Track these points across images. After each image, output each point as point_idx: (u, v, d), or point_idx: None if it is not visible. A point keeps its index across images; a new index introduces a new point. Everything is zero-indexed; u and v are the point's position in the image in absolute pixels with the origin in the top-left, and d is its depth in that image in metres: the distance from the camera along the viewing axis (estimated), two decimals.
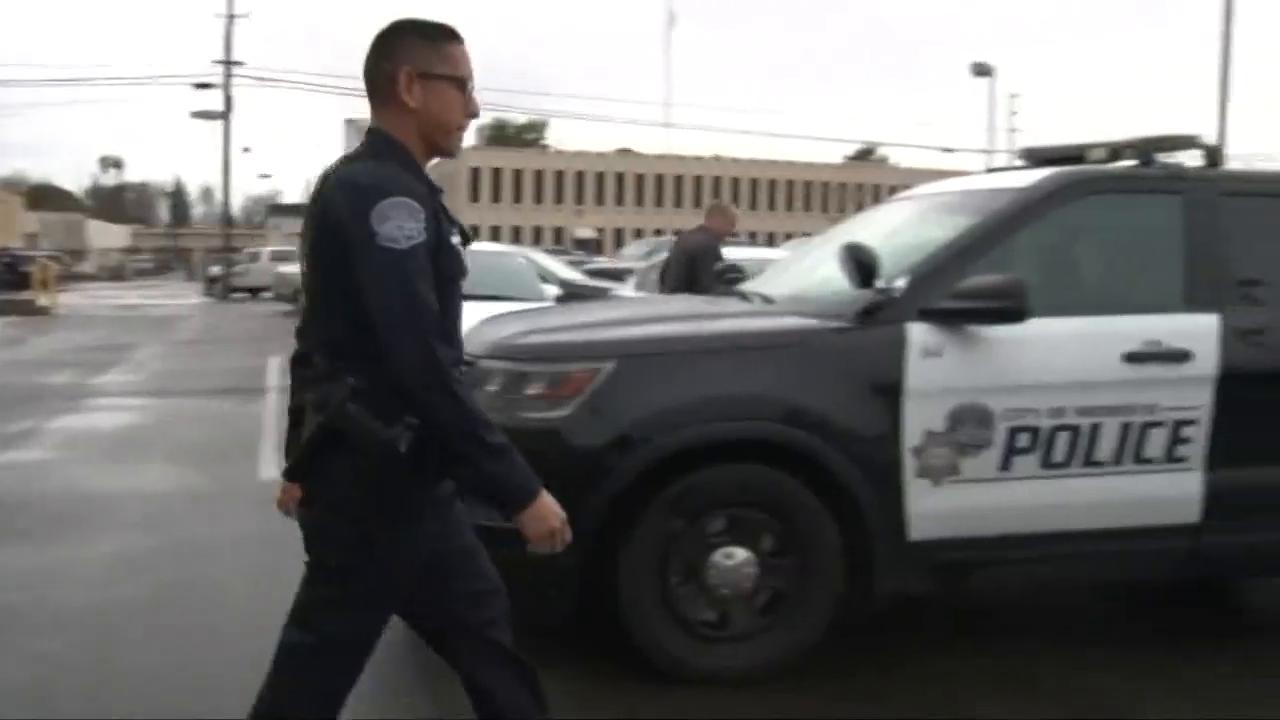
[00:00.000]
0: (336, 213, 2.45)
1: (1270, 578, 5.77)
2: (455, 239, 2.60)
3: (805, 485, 4.22)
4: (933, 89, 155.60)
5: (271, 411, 11.18)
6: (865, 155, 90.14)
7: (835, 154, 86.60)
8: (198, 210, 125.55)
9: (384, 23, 2.63)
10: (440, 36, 2.61)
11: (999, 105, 52.12)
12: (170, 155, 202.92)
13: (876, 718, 4.06)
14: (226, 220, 50.05)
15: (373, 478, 2.46)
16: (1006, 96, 60.31)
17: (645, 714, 4.01)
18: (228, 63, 44.48)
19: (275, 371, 15.00)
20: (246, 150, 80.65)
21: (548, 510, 2.53)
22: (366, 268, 2.39)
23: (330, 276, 2.49)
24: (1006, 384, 4.33)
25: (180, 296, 43.67)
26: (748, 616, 4.28)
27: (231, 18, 44.92)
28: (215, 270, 44.32)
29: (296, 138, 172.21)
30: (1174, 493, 4.54)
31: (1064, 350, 4.45)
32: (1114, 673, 4.48)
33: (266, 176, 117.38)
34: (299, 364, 2.73)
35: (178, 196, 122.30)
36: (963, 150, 76.98)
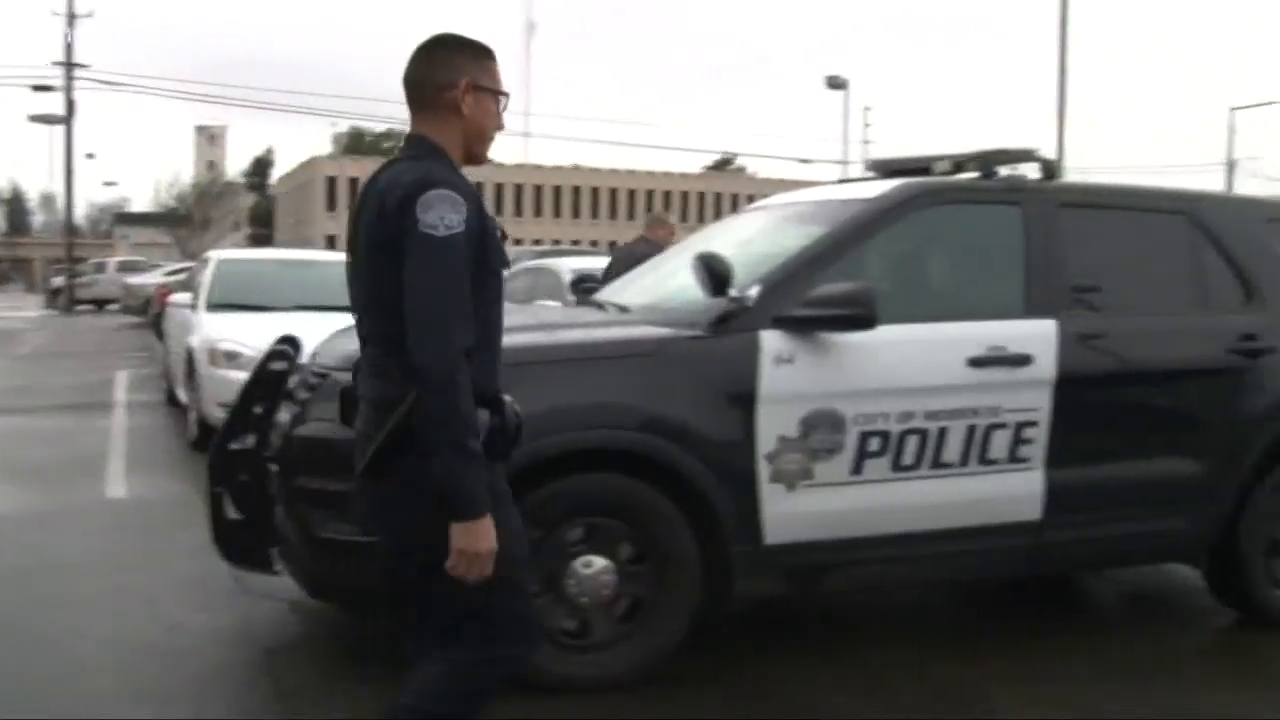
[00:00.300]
0: (387, 210, 2.62)
1: (1108, 570, 6.03)
2: (498, 234, 2.76)
3: (662, 493, 4.26)
4: (790, 101, 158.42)
5: (120, 427, 10.82)
6: (724, 165, 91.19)
7: (694, 164, 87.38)
8: (37, 219, 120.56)
9: (430, 35, 2.86)
10: (484, 53, 2.86)
11: (853, 117, 53.31)
12: (6, 160, 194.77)
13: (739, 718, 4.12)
14: (69, 229, 48.16)
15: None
16: (861, 109, 61.63)
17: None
18: (69, 64, 42.87)
19: (123, 386, 14.53)
20: (90, 156, 77.61)
21: (485, 532, 2.59)
22: (410, 258, 2.56)
23: (387, 276, 2.62)
24: (857, 389, 4.43)
25: (20, 309, 42.03)
26: (607, 624, 4.29)
27: (73, 17, 43.35)
28: (58, 282, 42.74)
29: (145, 144, 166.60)
30: (1017, 491, 4.71)
31: (912, 356, 4.58)
32: (968, 667, 4.63)
33: (112, 184, 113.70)
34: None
35: (15, 204, 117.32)
36: (819, 161, 78.31)
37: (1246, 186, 50.52)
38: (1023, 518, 4.74)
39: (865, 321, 4.34)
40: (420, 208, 2.56)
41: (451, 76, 2.78)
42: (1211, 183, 50.83)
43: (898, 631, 5.23)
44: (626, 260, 9.74)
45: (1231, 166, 54.98)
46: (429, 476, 2.57)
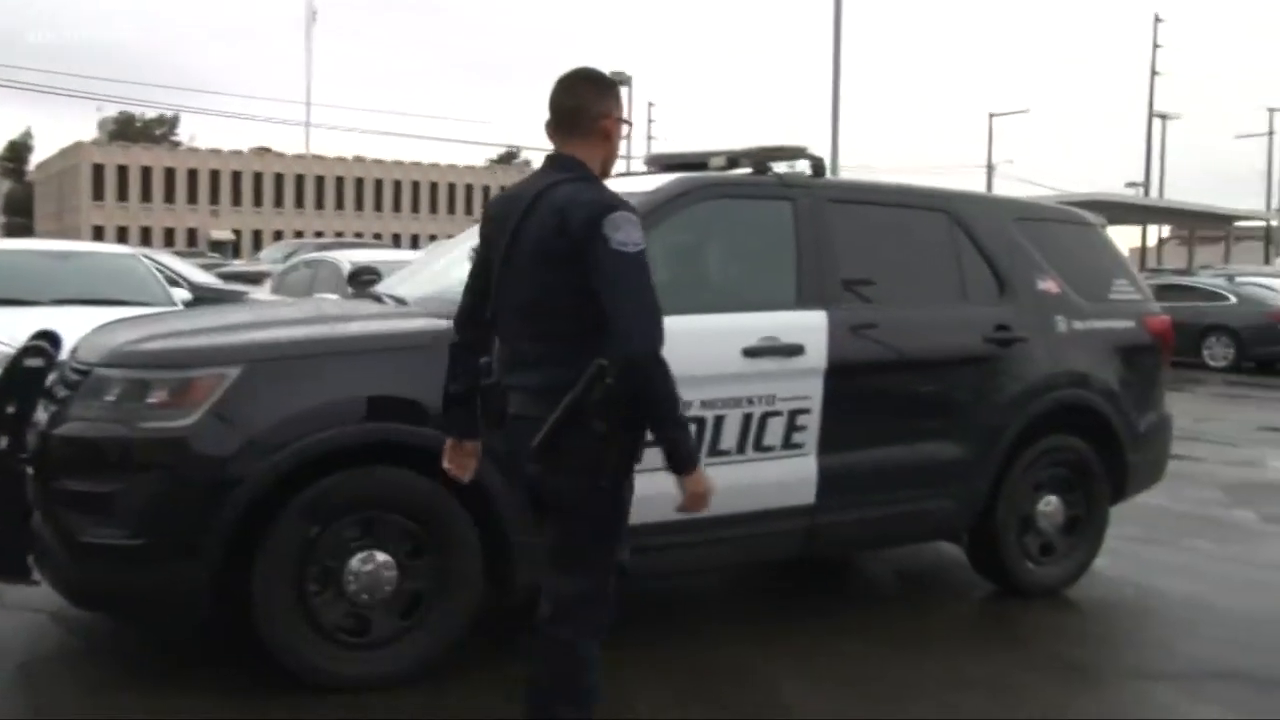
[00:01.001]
0: (572, 227, 3.02)
1: (879, 550, 6.30)
2: None
3: (441, 485, 4.23)
4: None
5: None
6: (509, 159, 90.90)
7: (479, 157, 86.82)
8: None
9: (580, 69, 3.28)
10: (618, 87, 3.36)
11: (638, 112, 53.87)
12: None
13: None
14: None
15: (617, 440, 3.02)
16: (645, 104, 62.39)
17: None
18: None
19: None
20: None
21: (704, 477, 3.15)
22: (604, 270, 2.98)
23: (559, 282, 3.06)
24: None
25: None
26: (388, 620, 4.24)
27: None
28: None
29: None
30: (792, 477, 4.87)
31: (688, 346, 4.62)
32: (753, 647, 4.77)
33: None
34: (466, 351, 3.39)
35: None
36: None
37: (1003, 187, 53.42)
38: (798, 502, 4.90)
39: None
40: (609, 227, 3.00)
41: (605, 108, 3.25)
42: (975, 183, 53.49)
43: (679, 617, 5.33)
44: None
45: (991, 169, 58.00)
46: (591, 449, 2.99)
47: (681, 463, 3.11)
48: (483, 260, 3.35)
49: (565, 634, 3.17)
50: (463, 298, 3.46)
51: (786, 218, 5.06)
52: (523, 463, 3.14)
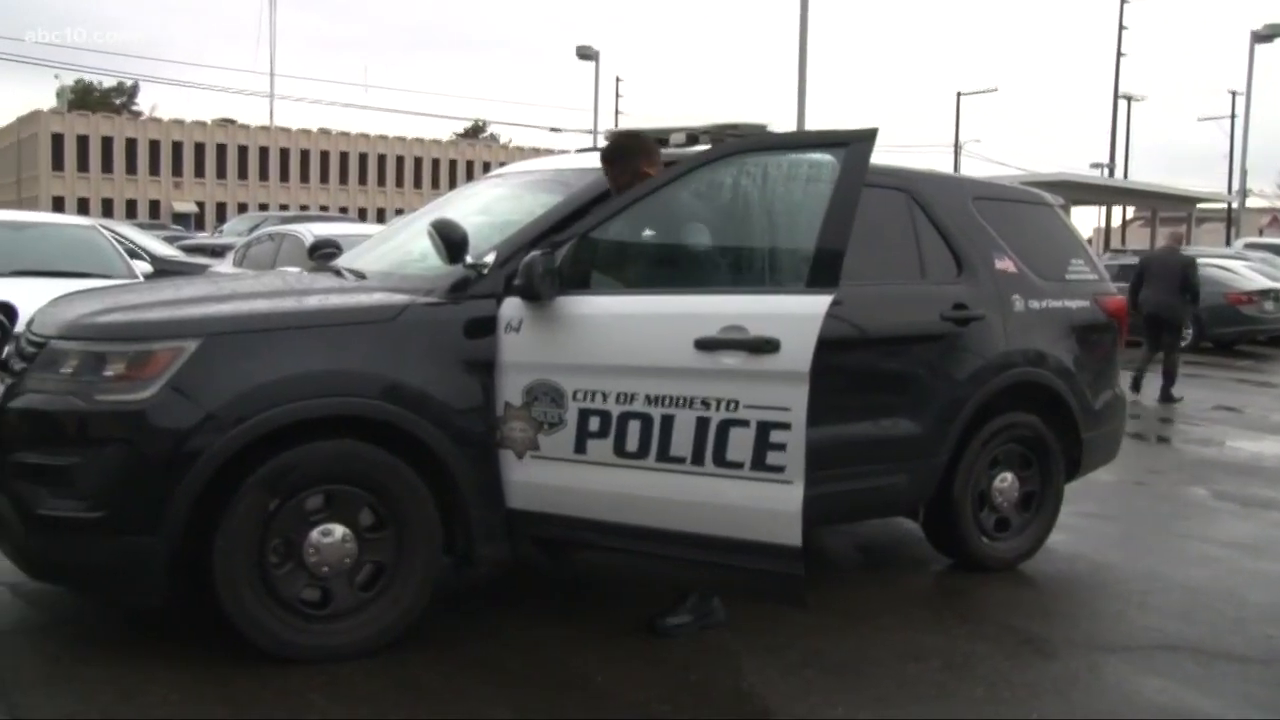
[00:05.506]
0: None
1: (838, 525, 6.36)
2: None
3: (401, 459, 4.25)
4: (542, 71, 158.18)
5: None
6: (475, 133, 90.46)
7: (445, 130, 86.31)
8: None
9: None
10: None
11: (605, 88, 53.64)
12: None
13: (497, 684, 4.16)
14: None
15: None
16: (612, 79, 62.13)
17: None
18: None
19: None
20: None
21: None
22: None
23: None
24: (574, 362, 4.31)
25: None
26: (349, 592, 4.27)
27: None
28: None
29: None
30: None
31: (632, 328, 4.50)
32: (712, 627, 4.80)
33: None
34: None
35: None
36: (569, 130, 78.61)
37: (970, 167, 53.65)
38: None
39: (529, 293, 4.30)
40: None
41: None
42: (942, 162, 53.67)
43: (631, 592, 5.34)
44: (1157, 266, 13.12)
45: (958, 148, 58.21)
46: None
47: None
48: None
49: None
50: None
51: None
52: None
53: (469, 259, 4.41)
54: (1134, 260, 16.58)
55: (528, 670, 4.30)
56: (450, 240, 4.37)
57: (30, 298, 5.18)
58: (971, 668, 4.50)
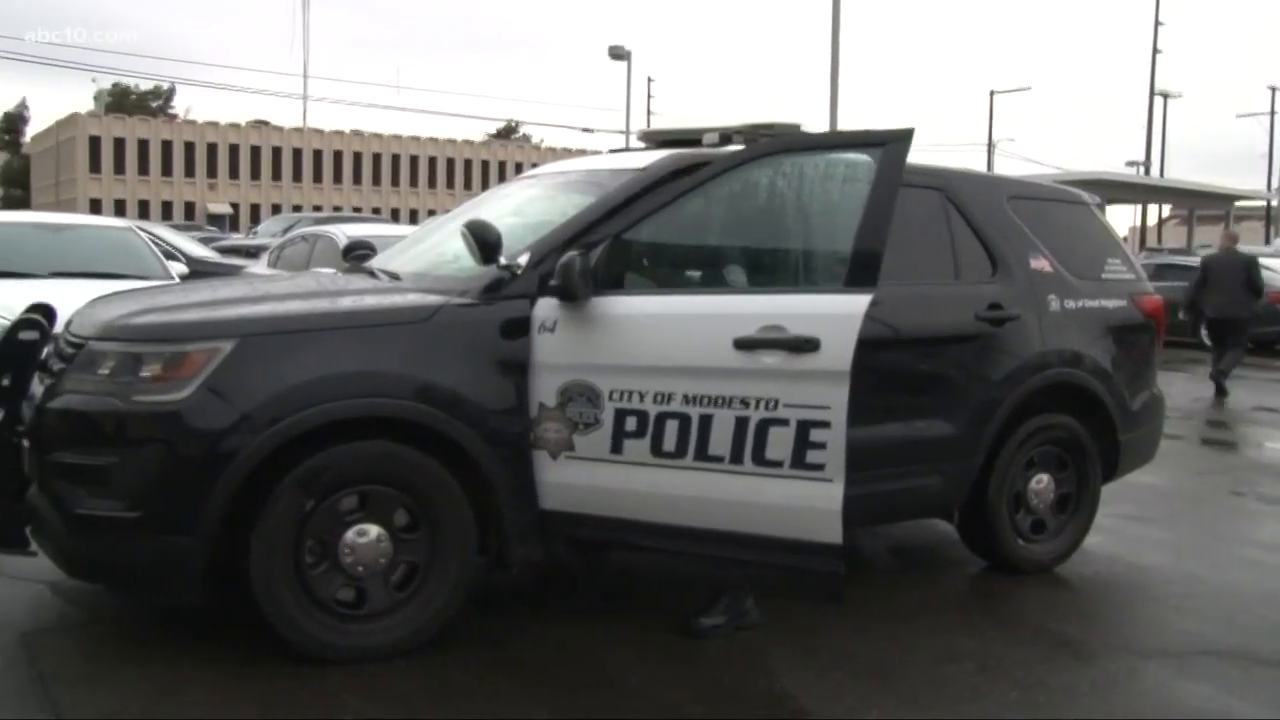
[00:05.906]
0: None
1: (873, 527, 6.33)
2: None
3: (436, 459, 4.26)
4: (575, 71, 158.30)
5: None
6: (507, 134, 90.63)
7: (478, 131, 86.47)
8: None
9: None
10: None
11: (637, 88, 53.67)
12: None
13: (531, 684, 4.16)
14: None
15: None
16: (644, 79, 62.14)
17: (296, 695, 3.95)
18: None
19: None
20: None
21: None
22: None
23: None
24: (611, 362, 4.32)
25: None
26: (384, 593, 4.28)
27: None
28: None
29: None
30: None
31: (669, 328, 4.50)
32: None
33: None
34: None
35: None
36: (602, 130, 78.72)
37: (1004, 165, 53.32)
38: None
39: (566, 293, 4.31)
40: None
41: None
42: (976, 161, 53.37)
43: (665, 593, 5.33)
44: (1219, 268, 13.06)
45: (992, 146, 57.86)
46: None
47: None
48: None
49: None
50: None
51: None
52: None
53: (503, 260, 4.41)
54: (1170, 260, 16.39)
55: (561, 671, 4.30)
56: (484, 241, 4.38)
57: (68, 299, 5.22)
58: (1006, 671, 4.46)
